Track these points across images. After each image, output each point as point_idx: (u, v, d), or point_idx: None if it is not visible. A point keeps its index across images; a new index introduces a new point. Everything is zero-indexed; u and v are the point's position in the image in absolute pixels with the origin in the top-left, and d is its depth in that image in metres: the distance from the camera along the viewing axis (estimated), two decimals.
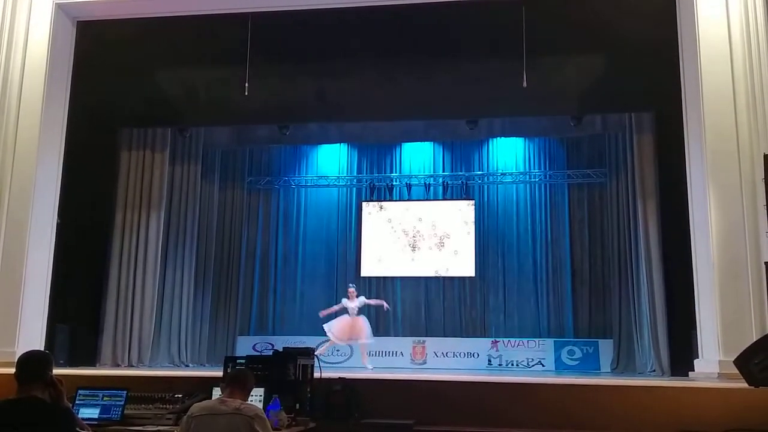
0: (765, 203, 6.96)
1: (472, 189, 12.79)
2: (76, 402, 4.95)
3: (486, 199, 12.83)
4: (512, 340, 11.84)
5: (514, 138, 12.59)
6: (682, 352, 8.93)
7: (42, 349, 7.57)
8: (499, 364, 11.59)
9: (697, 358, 7.62)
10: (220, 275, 12.64)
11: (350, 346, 11.56)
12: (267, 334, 12.56)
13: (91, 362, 10.38)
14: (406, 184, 12.92)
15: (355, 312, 10.86)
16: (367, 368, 10.29)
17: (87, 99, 9.20)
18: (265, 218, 13.27)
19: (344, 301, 10.98)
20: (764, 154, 7.05)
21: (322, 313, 11.08)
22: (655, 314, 10.18)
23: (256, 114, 10.78)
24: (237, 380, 4.07)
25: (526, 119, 11.64)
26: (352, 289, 11.10)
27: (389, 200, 12.92)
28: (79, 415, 4.17)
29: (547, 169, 12.68)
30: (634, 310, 10.81)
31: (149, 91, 10.28)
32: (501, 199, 12.79)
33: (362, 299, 11.05)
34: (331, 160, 13.27)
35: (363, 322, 10.89)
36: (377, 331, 12.44)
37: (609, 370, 11.05)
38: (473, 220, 12.58)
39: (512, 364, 11.55)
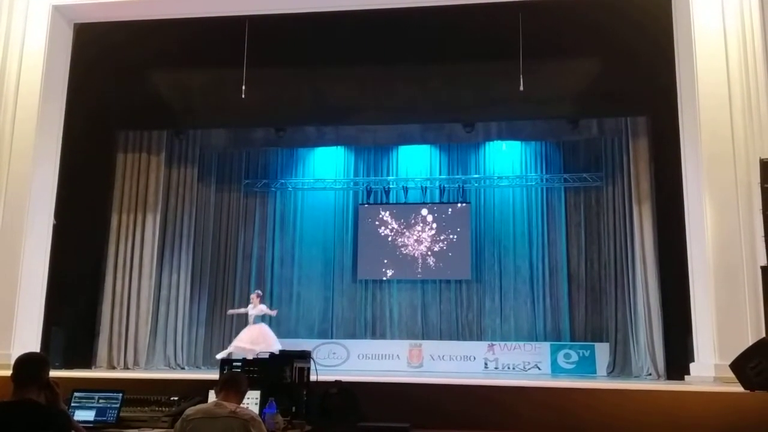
0: (761, 207, 6.98)
1: (469, 192, 12.80)
2: (72, 404, 4.94)
3: (482, 202, 12.83)
4: (508, 343, 11.84)
5: (511, 141, 12.60)
6: (678, 355, 8.95)
7: (38, 351, 7.56)
8: (496, 368, 11.58)
9: (693, 361, 7.63)
10: (216, 278, 12.63)
11: (346, 349, 11.53)
12: None
13: (87, 365, 10.38)
14: (403, 187, 12.92)
15: (253, 320, 10.61)
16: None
17: (84, 101, 9.20)
18: (261, 221, 13.23)
19: (249, 307, 10.84)
20: (760, 159, 7.08)
21: (229, 312, 11.51)
22: (651, 318, 10.21)
23: (253, 117, 10.80)
24: (231, 383, 4.06)
25: (522, 123, 11.69)
26: (254, 295, 10.95)
27: (386, 203, 12.92)
28: (75, 418, 4.16)
29: (544, 172, 12.67)
30: (630, 314, 10.83)
31: (146, 93, 10.29)
32: (497, 202, 12.79)
33: (263, 307, 10.77)
34: (328, 163, 13.26)
35: (266, 330, 10.59)
36: (374, 334, 12.48)
37: (605, 374, 11.05)
38: (470, 223, 12.59)
39: (508, 368, 11.55)
